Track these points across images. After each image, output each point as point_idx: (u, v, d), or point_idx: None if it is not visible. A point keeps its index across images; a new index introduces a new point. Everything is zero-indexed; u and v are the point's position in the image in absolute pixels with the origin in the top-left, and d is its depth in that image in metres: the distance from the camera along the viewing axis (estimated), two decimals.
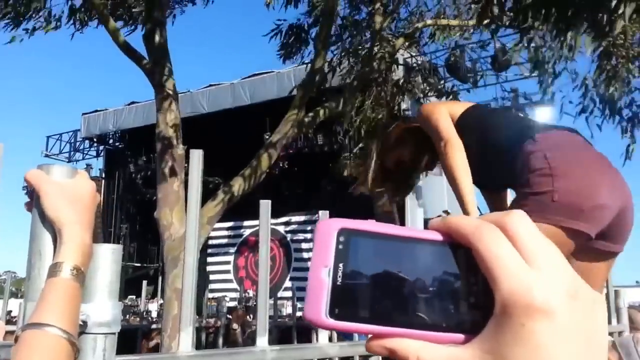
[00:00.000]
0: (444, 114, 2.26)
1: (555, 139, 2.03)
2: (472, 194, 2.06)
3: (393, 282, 0.39)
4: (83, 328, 0.94)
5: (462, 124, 2.25)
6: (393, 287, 0.39)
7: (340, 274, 0.38)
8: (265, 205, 1.41)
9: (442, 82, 13.12)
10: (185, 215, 3.54)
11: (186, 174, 3.83)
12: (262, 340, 1.30)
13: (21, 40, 6.70)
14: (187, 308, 1.15)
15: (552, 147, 1.97)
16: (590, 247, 2.02)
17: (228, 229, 17.38)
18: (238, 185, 3.97)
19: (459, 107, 2.32)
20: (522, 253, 0.38)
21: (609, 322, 2.42)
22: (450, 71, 13.48)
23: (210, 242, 17.85)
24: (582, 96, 6.66)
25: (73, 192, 0.90)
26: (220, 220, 17.80)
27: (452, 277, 0.39)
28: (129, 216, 20.17)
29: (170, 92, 4.04)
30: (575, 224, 1.86)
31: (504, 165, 2.11)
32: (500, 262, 0.37)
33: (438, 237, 0.40)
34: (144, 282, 7.33)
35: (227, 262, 17.87)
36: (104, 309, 0.96)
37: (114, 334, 0.98)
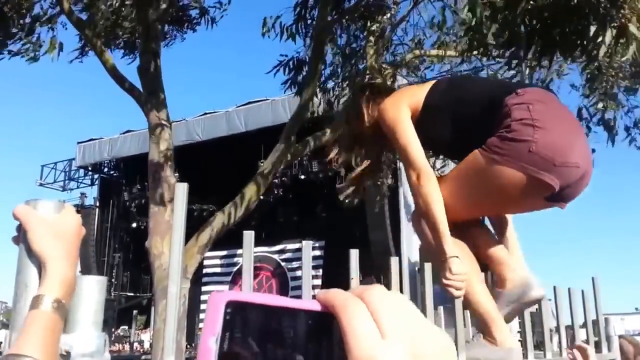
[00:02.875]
0: (407, 121, 2.21)
1: (537, 94, 2.08)
2: (448, 231, 2.04)
3: (274, 349, 0.44)
4: (66, 359, 0.96)
5: (430, 104, 2.24)
6: (274, 354, 0.43)
7: (226, 341, 0.42)
8: (249, 236, 1.44)
9: None
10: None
11: None
12: None
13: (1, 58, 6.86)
14: (169, 338, 1.18)
15: (534, 100, 2.03)
16: (545, 202, 2.12)
17: (222, 257, 17.33)
18: (228, 214, 3.98)
19: (420, 93, 2.28)
20: (377, 323, 0.43)
21: (600, 350, 2.45)
22: None
23: (205, 270, 17.76)
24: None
25: (59, 228, 0.94)
26: (214, 249, 17.74)
27: (327, 344, 0.44)
28: (123, 245, 20.05)
29: (163, 122, 4.07)
30: (545, 176, 1.96)
31: (483, 121, 2.10)
32: (353, 332, 0.42)
33: (318, 307, 0.45)
34: (134, 312, 7.25)
35: None
36: (87, 339, 0.99)
37: None
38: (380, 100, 2.35)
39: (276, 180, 16.93)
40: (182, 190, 1.27)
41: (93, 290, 1.02)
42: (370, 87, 2.64)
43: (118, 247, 20.08)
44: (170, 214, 3.56)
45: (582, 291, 2.37)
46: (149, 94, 4.85)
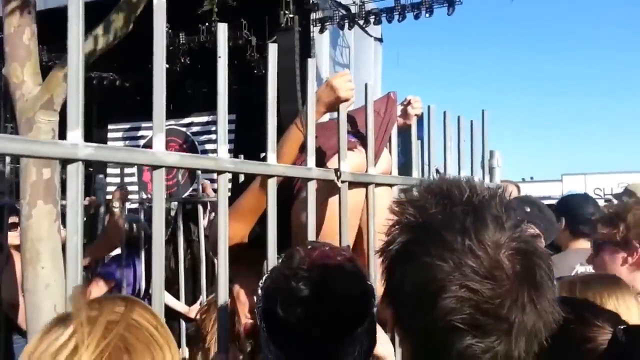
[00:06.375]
0: None
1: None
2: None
3: None
4: None
5: None
6: None
7: None
8: (161, 4, 1.45)
9: None
10: (39, 72, 3.15)
11: (39, 28, 3.32)
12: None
13: None
14: (73, 103, 1.25)
15: None
16: None
17: (126, 130, 16.94)
18: (95, 40, 3.41)
19: None
20: None
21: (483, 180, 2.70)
22: None
23: (108, 144, 17.32)
24: None
25: None
26: (116, 121, 17.35)
27: None
28: None
29: None
30: None
31: None
32: None
33: None
34: None
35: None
36: None
37: None
38: None
39: (182, 48, 16.37)
40: None
41: None
42: None
43: None
44: (31, 38, 3.27)
45: (472, 122, 2.54)
46: None
